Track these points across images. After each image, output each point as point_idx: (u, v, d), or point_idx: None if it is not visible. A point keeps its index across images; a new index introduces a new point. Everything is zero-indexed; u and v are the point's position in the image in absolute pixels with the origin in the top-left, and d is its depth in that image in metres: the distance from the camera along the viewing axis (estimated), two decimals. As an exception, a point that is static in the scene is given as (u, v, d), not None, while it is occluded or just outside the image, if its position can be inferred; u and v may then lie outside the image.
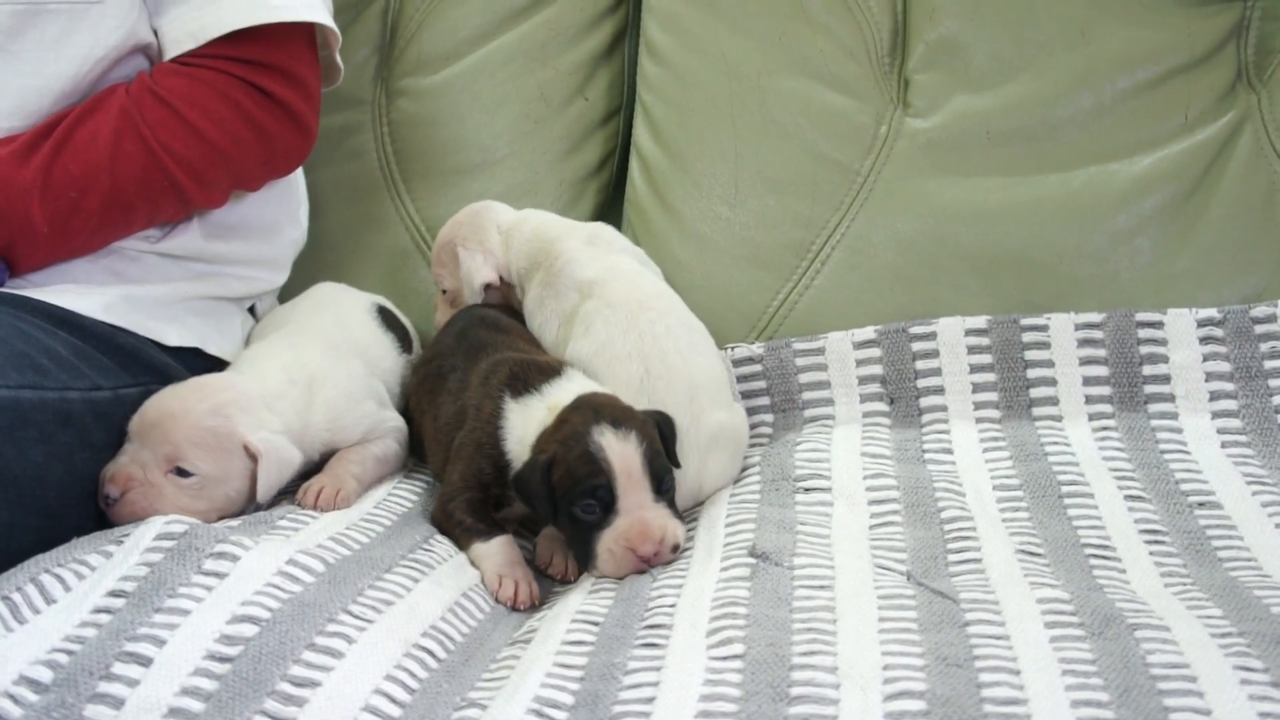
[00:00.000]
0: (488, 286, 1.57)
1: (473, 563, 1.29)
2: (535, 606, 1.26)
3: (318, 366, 1.45)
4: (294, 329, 1.54)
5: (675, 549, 1.23)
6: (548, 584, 1.32)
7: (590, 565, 1.24)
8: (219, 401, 1.33)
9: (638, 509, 1.22)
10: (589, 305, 1.45)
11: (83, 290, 1.43)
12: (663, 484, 1.25)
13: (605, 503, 1.22)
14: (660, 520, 1.23)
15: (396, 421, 1.51)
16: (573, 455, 1.22)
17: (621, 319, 1.41)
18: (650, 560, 1.22)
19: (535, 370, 1.35)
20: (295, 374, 1.43)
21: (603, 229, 1.62)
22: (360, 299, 1.65)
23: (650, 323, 1.41)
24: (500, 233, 1.59)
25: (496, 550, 1.29)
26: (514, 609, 1.25)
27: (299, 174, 1.71)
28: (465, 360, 1.44)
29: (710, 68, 1.73)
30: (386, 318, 1.64)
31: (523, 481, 1.26)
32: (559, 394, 1.32)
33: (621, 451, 1.22)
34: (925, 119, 1.66)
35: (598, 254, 1.53)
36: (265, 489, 1.34)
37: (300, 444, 1.39)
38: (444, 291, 1.63)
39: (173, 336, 1.49)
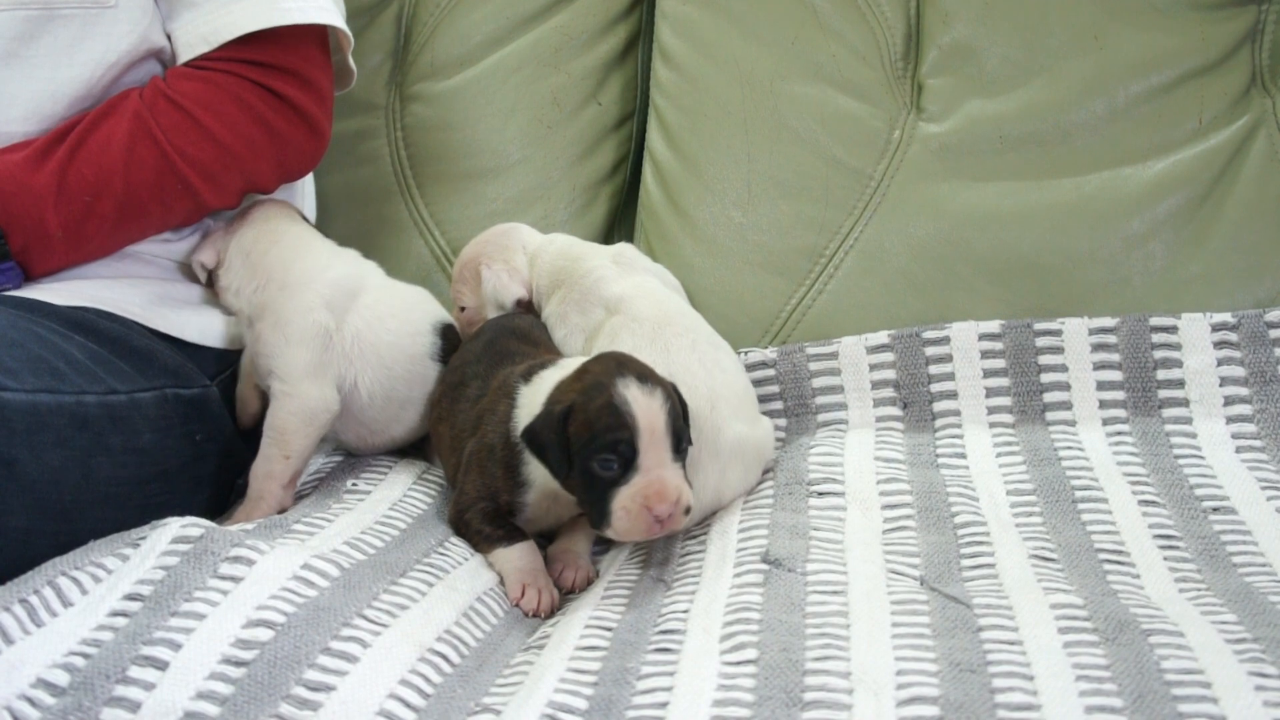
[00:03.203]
0: (519, 302, 1.57)
1: (493, 567, 1.29)
2: (552, 613, 1.26)
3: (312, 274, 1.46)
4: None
5: (687, 512, 1.20)
6: (562, 590, 1.32)
7: (604, 524, 1.20)
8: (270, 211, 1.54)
9: (657, 467, 1.18)
10: (615, 320, 1.45)
11: (98, 287, 1.44)
12: (680, 445, 1.21)
13: (626, 459, 1.18)
14: (677, 480, 1.19)
15: (305, 391, 1.42)
16: (594, 405, 1.18)
17: (647, 331, 1.41)
18: (664, 522, 1.18)
19: (550, 360, 1.35)
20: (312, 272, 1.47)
21: (627, 249, 1.62)
22: (430, 312, 1.57)
23: (675, 336, 1.41)
24: (526, 254, 1.59)
25: (519, 556, 1.29)
26: (534, 616, 1.25)
27: (307, 178, 1.72)
28: (488, 369, 1.42)
29: (723, 73, 1.73)
30: (447, 333, 1.56)
31: (534, 433, 1.21)
32: (573, 361, 1.30)
33: (647, 407, 1.18)
34: (938, 124, 1.66)
35: (624, 272, 1.53)
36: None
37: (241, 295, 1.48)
38: (462, 309, 1.62)
39: (192, 332, 1.50)
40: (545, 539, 1.40)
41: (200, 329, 1.52)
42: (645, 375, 1.21)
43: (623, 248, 1.62)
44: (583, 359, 1.30)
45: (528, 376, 1.32)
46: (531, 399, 1.29)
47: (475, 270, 1.59)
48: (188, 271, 1.57)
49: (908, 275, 1.61)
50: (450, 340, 1.56)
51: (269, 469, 1.42)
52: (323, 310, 1.44)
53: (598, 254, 1.57)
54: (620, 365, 1.21)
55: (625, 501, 1.18)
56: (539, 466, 1.28)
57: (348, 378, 1.46)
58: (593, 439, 1.17)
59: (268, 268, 1.48)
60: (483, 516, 1.32)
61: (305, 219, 1.59)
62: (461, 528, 1.34)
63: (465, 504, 1.33)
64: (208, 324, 1.54)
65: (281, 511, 1.42)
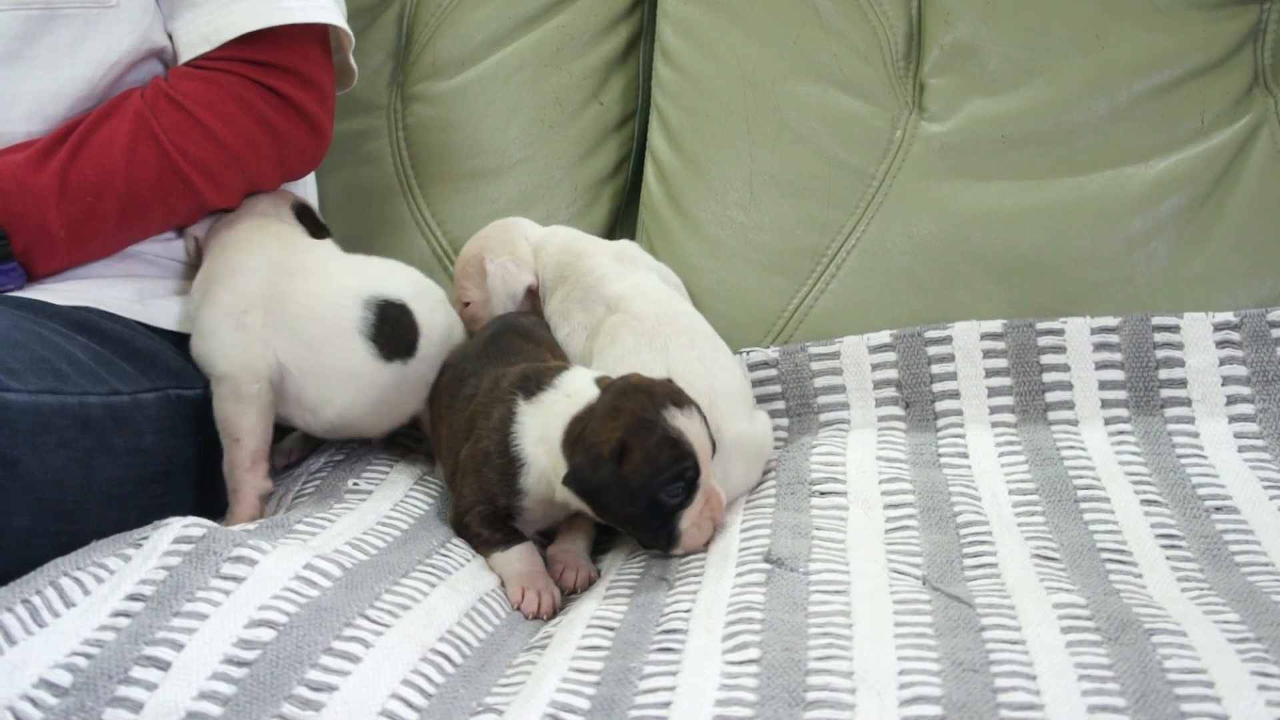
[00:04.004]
0: (529, 290, 1.57)
1: (493, 570, 1.30)
2: (554, 613, 1.26)
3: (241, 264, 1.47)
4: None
5: None
6: (563, 591, 1.32)
7: (673, 545, 1.25)
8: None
9: (708, 480, 1.25)
10: (615, 318, 1.45)
11: (100, 287, 1.45)
12: (713, 451, 1.27)
13: (691, 483, 1.23)
14: (720, 485, 1.28)
15: (228, 374, 1.42)
16: (651, 442, 1.21)
17: (648, 329, 1.42)
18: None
19: (545, 371, 1.34)
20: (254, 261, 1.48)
21: (629, 246, 1.62)
22: (365, 285, 1.48)
23: (675, 334, 1.41)
24: (529, 245, 1.59)
25: (517, 559, 1.29)
26: (535, 618, 1.25)
27: (308, 177, 1.72)
28: (486, 366, 1.41)
29: (725, 72, 1.73)
30: (386, 310, 1.46)
31: (583, 477, 1.22)
32: (573, 382, 1.30)
33: (697, 431, 1.24)
34: (940, 123, 1.66)
35: (626, 270, 1.53)
36: None
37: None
38: (466, 305, 1.61)
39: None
40: (546, 538, 1.39)
41: None
42: (678, 399, 1.25)
43: (625, 245, 1.62)
44: (587, 376, 1.31)
45: (527, 392, 1.31)
46: (539, 424, 1.29)
47: (479, 265, 1.58)
48: (190, 271, 1.57)
49: (910, 275, 1.61)
50: (389, 319, 1.46)
51: (229, 459, 1.43)
52: (230, 302, 1.45)
53: (600, 250, 1.57)
54: (652, 395, 1.24)
55: (694, 519, 1.24)
56: (538, 478, 1.29)
57: (268, 355, 1.43)
58: (658, 472, 1.21)
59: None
60: (481, 519, 1.32)
61: (298, 209, 1.57)
62: (462, 530, 1.34)
63: (464, 507, 1.33)
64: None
65: (266, 496, 1.43)
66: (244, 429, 1.42)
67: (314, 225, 1.58)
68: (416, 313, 1.48)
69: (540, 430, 1.29)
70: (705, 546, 1.26)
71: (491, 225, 1.63)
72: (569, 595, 1.30)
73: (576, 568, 1.32)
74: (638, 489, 1.21)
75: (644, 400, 1.23)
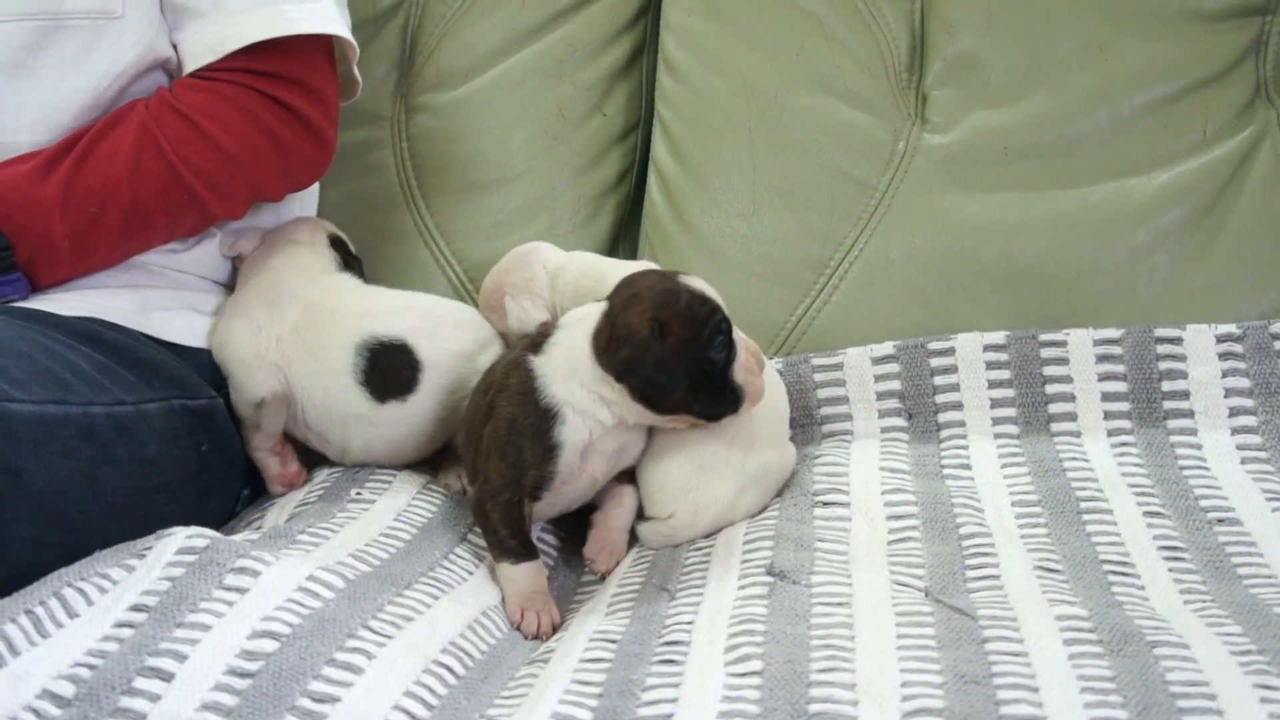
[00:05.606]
0: (543, 325, 1.57)
1: (496, 580, 1.29)
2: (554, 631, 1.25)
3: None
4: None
5: None
6: (566, 605, 1.32)
7: (740, 401, 1.28)
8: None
9: (735, 332, 1.29)
10: None
11: (105, 296, 1.45)
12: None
13: (728, 335, 1.26)
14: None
15: (236, 381, 1.50)
16: (682, 306, 1.25)
17: None
18: None
19: (549, 331, 1.34)
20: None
21: (651, 267, 1.62)
22: (361, 328, 1.48)
23: None
24: (547, 273, 1.58)
25: (522, 577, 1.28)
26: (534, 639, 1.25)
27: (313, 188, 1.72)
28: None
29: (728, 84, 1.73)
30: (381, 354, 1.47)
31: (634, 364, 1.23)
32: (576, 314, 1.33)
33: (711, 289, 1.27)
34: (943, 134, 1.66)
35: None
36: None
37: None
38: None
39: (197, 338, 1.51)
40: (556, 529, 1.39)
41: (205, 335, 1.53)
42: (676, 271, 1.30)
43: (646, 265, 1.62)
44: (589, 308, 1.32)
45: (536, 348, 1.32)
46: (562, 362, 1.29)
47: (500, 301, 1.58)
48: (193, 281, 1.57)
49: (913, 286, 1.62)
50: (379, 362, 1.46)
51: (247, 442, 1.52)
52: (252, 323, 1.50)
53: (622, 271, 1.56)
54: (659, 274, 1.29)
55: (745, 365, 1.28)
56: (573, 421, 1.28)
57: (279, 377, 1.49)
58: (701, 330, 1.25)
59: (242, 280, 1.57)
60: (503, 514, 1.28)
61: (333, 239, 1.62)
62: (481, 519, 1.31)
63: (487, 494, 1.30)
64: (212, 329, 1.54)
65: (290, 469, 1.52)
66: (255, 421, 1.50)
67: (346, 255, 1.61)
68: (419, 348, 1.48)
69: (565, 366, 1.29)
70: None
71: (510, 256, 1.60)
72: (573, 604, 1.30)
73: (611, 551, 1.33)
74: (688, 355, 1.24)
75: (655, 278, 1.27)
